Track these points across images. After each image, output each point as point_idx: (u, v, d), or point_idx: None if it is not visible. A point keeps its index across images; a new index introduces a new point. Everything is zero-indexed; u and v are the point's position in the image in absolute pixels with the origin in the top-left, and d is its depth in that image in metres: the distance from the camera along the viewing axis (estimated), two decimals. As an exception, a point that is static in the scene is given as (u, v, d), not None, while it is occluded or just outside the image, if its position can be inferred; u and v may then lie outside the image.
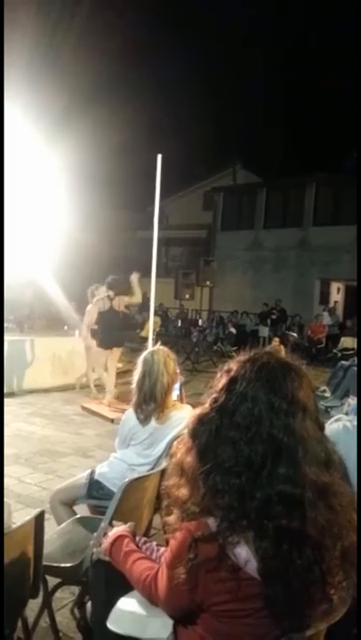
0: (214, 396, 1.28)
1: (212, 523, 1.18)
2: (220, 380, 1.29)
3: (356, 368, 7.76)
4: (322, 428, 1.27)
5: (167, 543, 1.40)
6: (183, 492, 1.26)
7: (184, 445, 1.30)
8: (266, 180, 21.82)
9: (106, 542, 1.56)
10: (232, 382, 1.25)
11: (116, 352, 7.08)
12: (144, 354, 2.78)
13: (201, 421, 1.27)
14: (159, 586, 1.31)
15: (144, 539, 1.65)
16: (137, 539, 1.59)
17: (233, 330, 16.26)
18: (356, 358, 8.72)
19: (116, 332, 6.90)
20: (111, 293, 6.87)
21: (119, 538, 1.54)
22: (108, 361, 7.09)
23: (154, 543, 1.61)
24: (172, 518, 1.28)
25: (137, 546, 1.54)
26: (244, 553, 1.15)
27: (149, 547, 1.57)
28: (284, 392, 1.21)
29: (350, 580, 1.20)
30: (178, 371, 2.89)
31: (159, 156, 6.05)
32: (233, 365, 1.29)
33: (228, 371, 1.29)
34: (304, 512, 1.14)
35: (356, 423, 1.55)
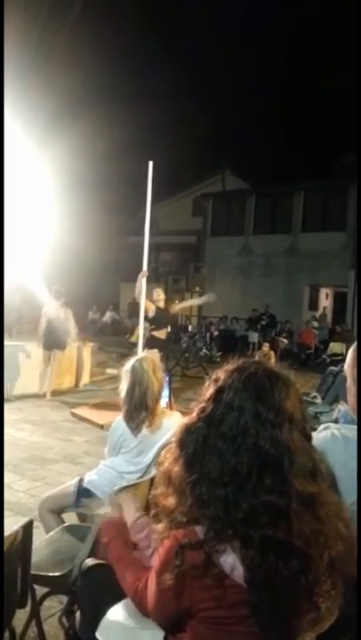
0: (202, 405, 1.28)
1: (199, 530, 1.18)
2: (208, 390, 1.29)
3: (345, 374, 7.78)
4: (309, 438, 1.27)
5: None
6: (171, 501, 1.26)
7: (171, 455, 1.30)
8: (255, 187, 21.96)
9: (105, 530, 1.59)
10: (219, 392, 1.25)
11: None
12: (131, 362, 2.77)
13: (188, 431, 1.27)
14: (148, 592, 1.31)
15: (140, 520, 1.65)
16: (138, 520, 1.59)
17: (216, 333, 16.31)
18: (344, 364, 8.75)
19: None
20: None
21: (115, 539, 1.55)
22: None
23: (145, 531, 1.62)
24: (160, 526, 1.28)
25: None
26: (230, 560, 1.15)
27: (143, 530, 1.58)
28: (271, 402, 1.21)
29: (338, 590, 1.21)
30: (167, 378, 2.90)
31: (150, 163, 6.06)
32: (221, 374, 1.29)
33: (216, 380, 1.29)
34: (290, 522, 1.14)
35: (344, 431, 1.56)
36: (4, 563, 1.59)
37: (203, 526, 1.18)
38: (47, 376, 8.08)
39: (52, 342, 8.07)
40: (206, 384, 1.32)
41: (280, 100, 32.20)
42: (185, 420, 1.32)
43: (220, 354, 14.02)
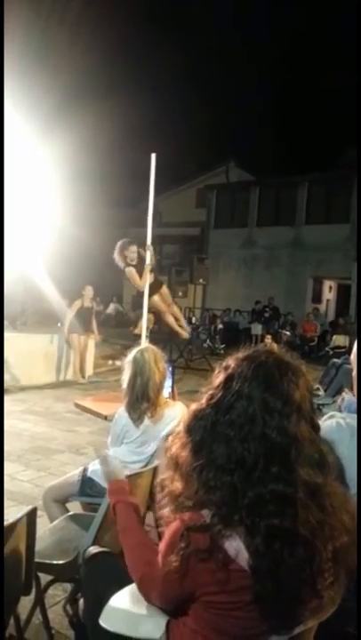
0: (211, 392, 1.29)
1: (206, 514, 1.19)
2: (218, 377, 1.30)
3: (348, 366, 7.79)
4: (317, 429, 1.28)
5: (159, 537, 1.40)
6: (177, 485, 1.27)
7: (179, 440, 1.31)
8: (259, 179, 21.86)
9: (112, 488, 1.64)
10: (229, 380, 1.26)
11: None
12: (133, 353, 2.77)
13: (196, 417, 1.28)
14: (153, 574, 1.31)
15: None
16: None
17: (220, 326, 16.28)
18: (348, 356, 8.74)
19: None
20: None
21: (118, 503, 1.58)
22: None
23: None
24: (166, 511, 1.29)
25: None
26: (235, 545, 1.16)
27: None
28: (280, 392, 1.21)
29: (340, 581, 1.21)
30: (169, 368, 2.90)
31: (153, 156, 6.01)
32: (231, 362, 1.29)
33: (226, 368, 1.30)
34: (296, 512, 1.15)
35: (349, 420, 1.55)
36: (3, 550, 1.60)
37: (209, 510, 1.18)
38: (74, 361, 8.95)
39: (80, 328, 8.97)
40: (216, 371, 1.32)
41: (285, 91, 32.00)
42: (194, 406, 1.32)
43: (223, 346, 14.00)
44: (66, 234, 10.36)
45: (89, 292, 9.20)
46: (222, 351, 12.85)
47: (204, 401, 1.29)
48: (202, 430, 1.25)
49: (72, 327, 8.87)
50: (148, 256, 6.21)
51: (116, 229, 22.03)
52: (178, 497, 1.25)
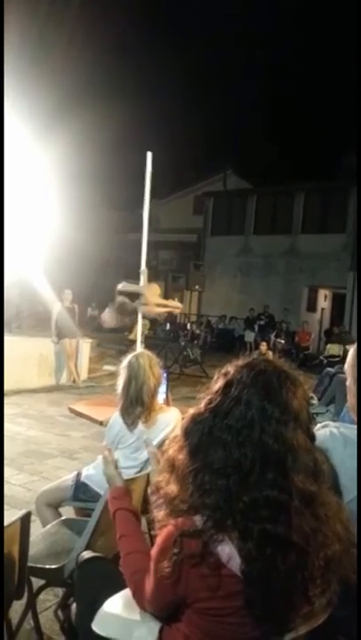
0: (210, 397, 1.30)
1: (198, 520, 1.20)
2: (217, 383, 1.31)
3: (342, 375, 7.80)
4: (313, 438, 1.29)
5: (151, 541, 1.41)
6: (172, 488, 1.27)
7: (176, 443, 1.32)
8: (256, 187, 21.97)
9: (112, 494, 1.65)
10: (228, 385, 1.27)
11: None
12: (128, 358, 2.78)
13: (195, 421, 1.29)
14: (146, 580, 1.32)
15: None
16: None
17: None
18: (341, 365, 8.77)
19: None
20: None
21: (124, 510, 1.59)
22: None
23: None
24: (160, 515, 1.29)
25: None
26: (227, 550, 1.17)
27: None
28: (278, 400, 1.23)
29: (332, 589, 1.22)
30: (164, 374, 2.90)
31: (149, 154, 6.02)
32: (230, 369, 1.31)
33: (225, 374, 1.31)
34: (290, 518, 1.16)
35: (343, 430, 1.57)
36: (3, 559, 1.60)
37: (202, 516, 1.19)
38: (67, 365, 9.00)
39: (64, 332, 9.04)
40: (215, 377, 1.34)
41: (283, 100, 32.21)
42: (192, 410, 1.34)
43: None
44: (63, 237, 10.37)
45: (68, 295, 9.40)
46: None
47: (202, 405, 1.31)
48: (199, 434, 1.26)
49: (61, 332, 8.95)
50: (142, 280, 6.26)
51: (113, 234, 22.11)
52: (173, 500, 1.26)
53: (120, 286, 6.50)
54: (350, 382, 1.68)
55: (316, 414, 7.28)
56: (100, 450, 2.86)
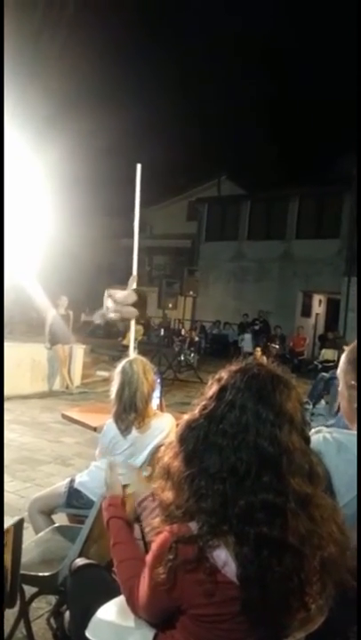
0: (204, 403, 1.31)
1: (193, 526, 1.19)
2: (211, 388, 1.32)
3: (337, 380, 7.79)
4: (307, 440, 1.30)
5: (146, 549, 1.40)
6: (168, 495, 1.27)
7: (171, 450, 1.32)
8: (250, 192, 22.05)
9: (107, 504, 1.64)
10: (222, 390, 1.28)
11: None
12: (122, 364, 2.78)
13: (190, 427, 1.29)
14: (141, 587, 1.31)
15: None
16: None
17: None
18: (336, 370, 8.78)
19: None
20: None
21: (112, 519, 1.59)
22: None
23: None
24: (156, 521, 1.29)
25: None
26: (223, 555, 1.16)
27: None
28: (272, 403, 1.23)
29: (328, 591, 1.22)
30: (158, 380, 2.90)
31: (138, 166, 6.06)
32: (223, 374, 1.32)
33: (219, 379, 1.32)
34: (286, 521, 1.16)
35: (336, 435, 1.57)
36: (3, 559, 1.59)
37: (197, 522, 1.19)
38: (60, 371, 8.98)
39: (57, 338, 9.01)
40: (209, 383, 1.34)
41: (277, 106, 32.40)
42: (187, 416, 1.34)
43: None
44: (57, 242, 10.37)
45: (64, 301, 9.36)
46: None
47: (197, 411, 1.31)
48: (195, 440, 1.26)
49: (54, 338, 8.92)
50: (134, 285, 6.24)
51: (106, 240, 22.12)
52: (168, 506, 1.26)
53: (107, 294, 6.46)
54: (342, 387, 1.68)
55: (313, 415, 7.28)
56: (94, 456, 2.86)
